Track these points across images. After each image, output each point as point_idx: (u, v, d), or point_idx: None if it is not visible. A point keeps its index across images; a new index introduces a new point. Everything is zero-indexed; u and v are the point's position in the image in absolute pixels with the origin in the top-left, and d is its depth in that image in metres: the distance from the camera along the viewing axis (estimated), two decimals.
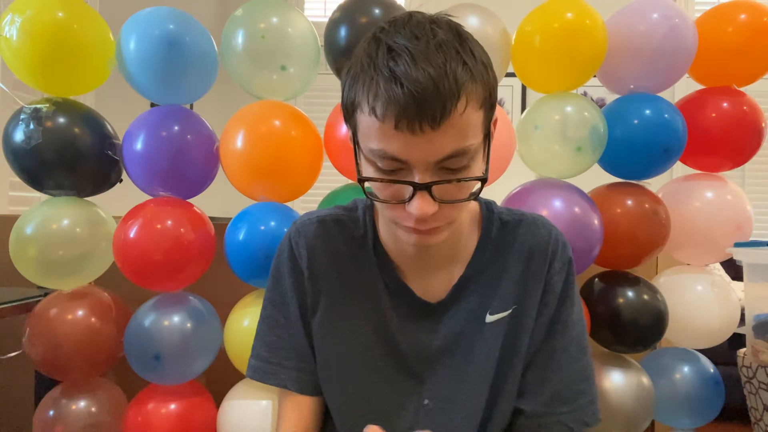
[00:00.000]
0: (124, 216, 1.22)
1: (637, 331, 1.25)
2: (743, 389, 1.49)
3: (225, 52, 1.26)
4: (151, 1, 1.37)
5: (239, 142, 1.20)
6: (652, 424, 1.67)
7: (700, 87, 1.38)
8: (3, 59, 1.16)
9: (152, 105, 1.29)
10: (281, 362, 0.69)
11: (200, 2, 2.86)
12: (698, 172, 1.39)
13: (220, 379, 1.33)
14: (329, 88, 2.10)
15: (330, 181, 1.50)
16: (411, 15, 0.53)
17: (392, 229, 0.62)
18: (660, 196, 1.34)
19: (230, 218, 1.26)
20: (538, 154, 1.31)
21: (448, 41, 0.50)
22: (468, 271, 0.67)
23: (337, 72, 1.28)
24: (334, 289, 0.68)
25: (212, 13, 2.88)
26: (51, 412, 1.20)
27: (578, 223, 1.19)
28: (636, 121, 1.25)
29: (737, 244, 1.27)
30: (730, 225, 1.29)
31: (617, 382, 1.27)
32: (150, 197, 1.26)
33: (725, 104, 1.29)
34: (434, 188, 0.52)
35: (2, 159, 1.18)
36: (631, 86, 1.31)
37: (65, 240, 1.18)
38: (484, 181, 0.55)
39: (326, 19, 1.28)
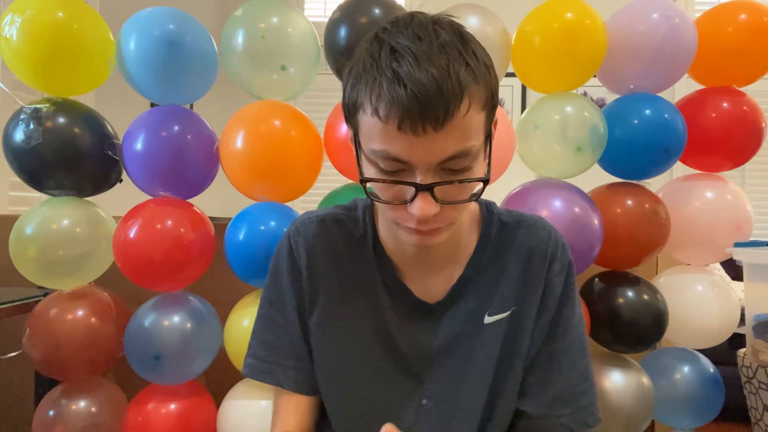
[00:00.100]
0: (124, 216, 1.22)
1: (637, 331, 1.25)
2: (743, 389, 1.49)
3: (225, 52, 1.26)
4: (151, 1, 1.37)
5: (239, 142, 1.20)
6: (652, 424, 1.67)
7: (700, 87, 1.38)
8: (3, 59, 1.16)
9: (152, 105, 1.29)
10: (278, 361, 0.69)
11: (200, 2, 2.86)
12: (698, 172, 1.39)
13: (220, 379, 1.33)
14: (329, 88, 2.09)
15: (330, 181, 1.50)
16: (413, 15, 0.53)
17: (392, 230, 0.62)
18: (660, 196, 1.34)
19: (230, 218, 1.25)
20: (538, 154, 1.31)
21: (451, 42, 0.50)
22: (467, 272, 0.67)
23: (337, 72, 1.28)
24: (333, 288, 0.68)
25: (212, 13, 2.88)
26: (51, 412, 1.20)
27: (578, 223, 1.19)
28: (636, 121, 1.25)
29: (737, 244, 1.27)
30: (730, 225, 1.29)
31: (617, 382, 1.27)
32: (150, 197, 1.26)
33: (725, 104, 1.29)
34: (436, 189, 0.52)
35: (2, 159, 1.18)
36: (631, 86, 1.31)
37: (65, 240, 1.18)
38: (485, 182, 0.55)
39: (326, 19, 1.27)
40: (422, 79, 0.47)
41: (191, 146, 1.21)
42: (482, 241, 0.68)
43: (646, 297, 1.26)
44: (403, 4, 2.62)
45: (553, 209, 1.21)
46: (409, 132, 0.49)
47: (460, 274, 0.67)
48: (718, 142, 1.30)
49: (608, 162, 1.32)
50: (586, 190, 1.32)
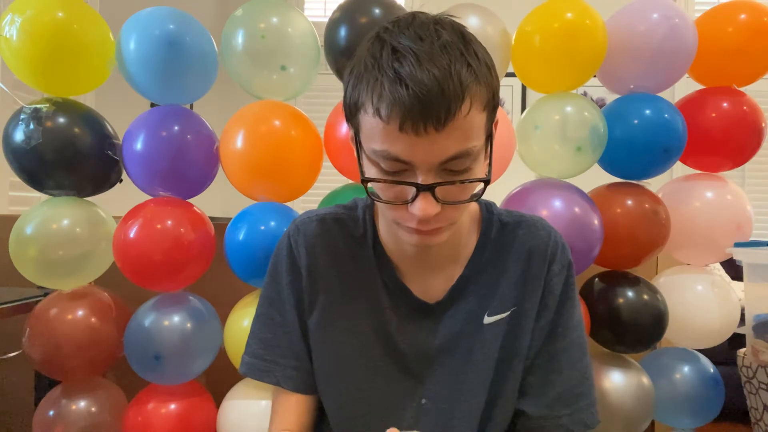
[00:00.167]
0: (124, 216, 1.22)
1: (637, 331, 1.25)
2: (743, 389, 1.49)
3: (225, 52, 1.26)
4: (151, 1, 1.37)
5: (239, 142, 1.20)
6: (652, 424, 1.68)
7: (700, 87, 1.38)
8: (3, 59, 1.16)
9: (152, 105, 1.29)
10: (276, 360, 0.69)
11: (200, 2, 2.86)
12: (698, 172, 1.39)
13: (220, 379, 1.33)
14: (329, 88, 2.09)
15: (330, 181, 1.50)
16: (414, 15, 0.53)
17: (393, 229, 0.62)
18: (660, 196, 1.34)
19: (230, 218, 1.25)
20: (538, 154, 1.31)
21: (453, 42, 0.50)
22: (467, 272, 0.67)
23: (337, 72, 1.28)
24: (333, 288, 0.68)
25: (212, 13, 2.88)
26: (51, 412, 1.20)
27: (578, 223, 1.19)
28: (636, 121, 1.25)
29: (737, 244, 1.27)
30: (730, 225, 1.29)
31: (617, 382, 1.27)
32: (150, 197, 1.26)
33: (725, 104, 1.29)
34: (437, 189, 0.52)
35: (2, 159, 1.18)
36: (631, 86, 1.31)
37: (65, 240, 1.18)
38: (486, 182, 0.55)
39: (326, 19, 1.27)
40: (424, 79, 0.47)
41: (191, 146, 1.21)
42: (482, 241, 0.68)
43: (646, 297, 1.26)
44: (403, 5, 2.62)
45: (553, 209, 1.21)
46: (411, 132, 0.49)
47: (459, 274, 0.67)
48: (718, 142, 1.30)
49: (608, 162, 1.32)
50: (586, 190, 1.32)
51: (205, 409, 1.28)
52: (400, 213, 0.56)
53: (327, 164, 1.31)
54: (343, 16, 1.23)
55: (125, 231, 1.18)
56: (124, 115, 1.35)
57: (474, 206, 0.69)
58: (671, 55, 1.24)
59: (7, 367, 1.30)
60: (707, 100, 1.32)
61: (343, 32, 1.21)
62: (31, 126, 1.13)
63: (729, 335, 1.32)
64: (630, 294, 1.27)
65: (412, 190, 0.52)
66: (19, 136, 1.14)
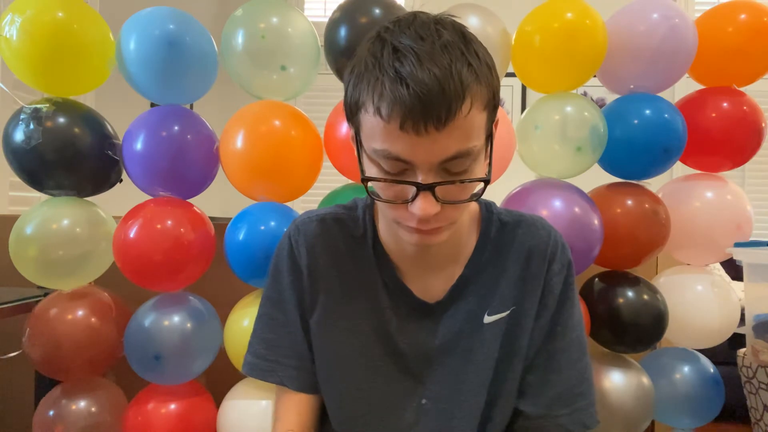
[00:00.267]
0: (124, 216, 1.21)
1: (637, 331, 1.25)
2: (743, 389, 1.49)
3: (225, 52, 1.26)
4: (151, 1, 1.37)
5: (239, 142, 1.20)
6: (652, 424, 1.67)
7: (700, 87, 1.38)
8: (3, 59, 1.16)
9: (152, 105, 1.29)
10: (279, 360, 0.69)
11: (200, 2, 2.86)
12: (698, 172, 1.39)
13: (220, 379, 1.33)
14: (329, 88, 2.09)
15: (330, 181, 1.50)
16: (415, 15, 0.53)
17: (393, 229, 0.62)
18: (660, 196, 1.34)
19: (230, 218, 1.25)
20: (538, 154, 1.31)
21: (453, 42, 0.50)
22: (467, 272, 0.67)
23: (337, 72, 1.28)
24: (333, 288, 0.68)
25: (212, 13, 2.88)
26: (51, 412, 1.20)
27: (578, 223, 1.19)
28: (636, 121, 1.25)
29: (737, 244, 1.27)
30: (730, 225, 1.29)
31: (617, 382, 1.27)
32: (150, 197, 1.26)
33: (725, 104, 1.29)
34: (437, 189, 0.52)
35: (2, 159, 1.18)
36: (631, 86, 1.31)
37: (65, 240, 1.18)
38: (486, 182, 0.55)
39: (326, 19, 1.27)
40: (424, 78, 0.47)
41: (191, 146, 1.21)
42: (482, 241, 0.68)
43: (646, 297, 1.26)
44: (403, 4, 2.62)
45: (553, 209, 1.21)
46: (411, 132, 0.49)
47: (459, 273, 0.67)
48: (718, 142, 1.30)
49: (608, 162, 1.32)
50: (586, 190, 1.32)
51: (205, 409, 1.28)
52: (400, 212, 0.56)
53: (327, 164, 1.31)
54: (343, 16, 1.23)
55: (125, 231, 1.18)
56: (124, 115, 1.35)
57: (474, 206, 0.69)
58: (671, 55, 1.24)
59: (7, 367, 1.30)
60: (707, 100, 1.32)
61: (343, 32, 1.21)
62: (31, 126, 1.13)
63: (729, 335, 1.32)
64: (630, 294, 1.27)
65: (412, 190, 0.52)
66: (19, 136, 1.14)
